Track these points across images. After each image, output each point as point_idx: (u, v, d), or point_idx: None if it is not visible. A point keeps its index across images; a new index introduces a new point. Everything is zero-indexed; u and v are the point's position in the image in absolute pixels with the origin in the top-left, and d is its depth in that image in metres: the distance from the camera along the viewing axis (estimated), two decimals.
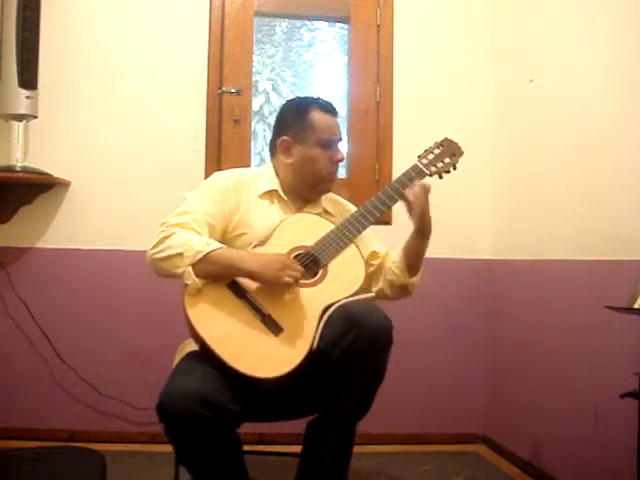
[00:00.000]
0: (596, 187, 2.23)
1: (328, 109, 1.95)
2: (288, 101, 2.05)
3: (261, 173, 1.97)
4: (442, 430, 2.98)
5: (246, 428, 1.67)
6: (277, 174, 1.96)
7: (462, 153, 1.97)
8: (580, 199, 2.32)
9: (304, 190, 1.95)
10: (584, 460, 2.23)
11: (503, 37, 3.03)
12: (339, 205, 2.05)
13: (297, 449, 1.83)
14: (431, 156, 1.94)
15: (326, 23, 3.78)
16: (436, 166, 1.94)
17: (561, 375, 2.39)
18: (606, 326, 2.09)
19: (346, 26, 3.20)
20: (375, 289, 1.96)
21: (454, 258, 3.01)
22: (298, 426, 1.85)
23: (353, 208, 1.99)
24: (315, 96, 1.99)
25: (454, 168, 1.96)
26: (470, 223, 3.08)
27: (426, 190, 1.85)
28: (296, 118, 1.93)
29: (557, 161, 2.49)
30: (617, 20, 2.16)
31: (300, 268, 1.72)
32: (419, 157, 1.94)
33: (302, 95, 2.06)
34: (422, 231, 1.88)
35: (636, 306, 1.63)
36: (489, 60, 3.11)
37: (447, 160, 1.95)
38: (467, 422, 3.00)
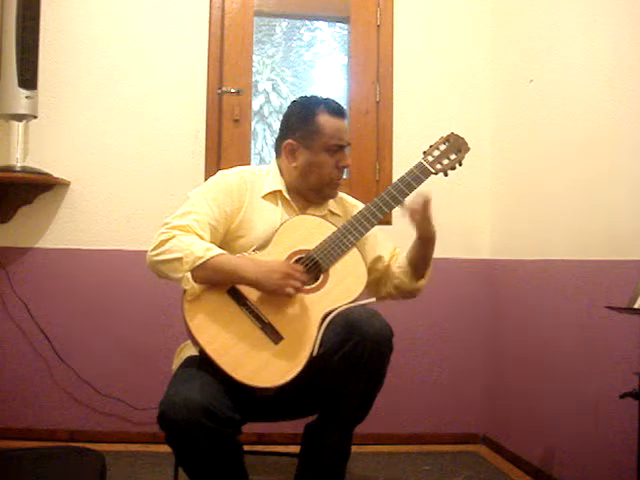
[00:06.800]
0: (596, 187, 2.23)
1: (336, 112, 1.87)
2: (295, 101, 1.96)
3: (266, 172, 1.92)
4: (442, 430, 2.98)
5: (246, 428, 1.67)
6: (282, 174, 1.92)
7: (468, 149, 1.92)
8: (580, 199, 2.32)
9: (308, 194, 1.91)
10: (584, 460, 2.23)
11: (503, 37, 3.03)
12: (346, 204, 2.01)
13: (296, 449, 1.83)
14: (437, 152, 1.88)
15: (326, 23, 3.77)
16: (442, 163, 1.88)
17: (561, 375, 2.38)
18: (606, 326, 2.09)
19: (346, 26, 3.20)
20: (383, 293, 1.94)
21: (454, 258, 3.00)
22: (297, 426, 1.85)
23: (360, 205, 1.94)
24: (323, 97, 1.91)
25: (460, 164, 1.91)
26: (470, 223, 3.08)
27: (426, 200, 1.80)
28: (302, 121, 1.87)
29: (557, 161, 2.49)
30: (617, 20, 2.16)
31: (302, 277, 1.69)
32: (424, 154, 1.88)
33: (309, 95, 1.96)
34: (424, 238, 1.85)
35: (636, 306, 1.63)
36: (489, 60, 3.11)
37: (453, 157, 1.89)
38: (467, 422, 3.00)
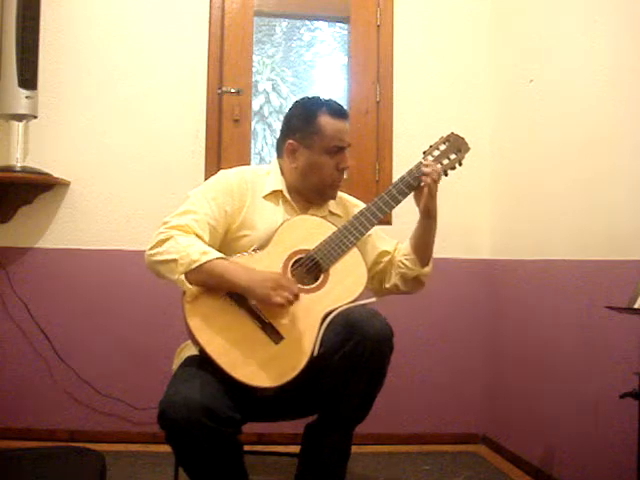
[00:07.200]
0: (596, 187, 2.23)
1: (337, 114, 1.87)
2: (297, 102, 1.97)
3: (266, 172, 1.93)
4: (442, 430, 2.98)
5: (245, 428, 1.67)
6: (283, 174, 1.92)
7: (468, 149, 1.93)
8: (580, 199, 2.32)
9: (309, 194, 1.91)
10: (584, 460, 2.23)
11: (503, 37, 3.03)
12: (346, 204, 2.01)
13: (296, 449, 1.84)
14: (436, 152, 1.90)
15: (326, 23, 3.77)
16: (442, 163, 1.90)
17: (561, 375, 2.38)
18: (606, 326, 2.09)
19: (346, 26, 3.20)
20: (388, 285, 1.94)
21: (454, 258, 3.01)
22: (297, 426, 1.85)
23: (361, 205, 1.95)
24: (325, 98, 1.92)
25: (460, 164, 1.92)
26: (470, 223, 3.08)
27: (436, 170, 1.84)
28: (304, 122, 1.87)
29: (557, 161, 2.49)
30: (617, 20, 2.16)
31: (295, 289, 1.68)
32: (424, 154, 1.90)
33: (311, 95, 1.96)
34: (427, 215, 1.86)
35: (636, 306, 1.63)
36: (489, 60, 3.11)
37: (453, 156, 1.91)
38: (467, 422, 3.00)
